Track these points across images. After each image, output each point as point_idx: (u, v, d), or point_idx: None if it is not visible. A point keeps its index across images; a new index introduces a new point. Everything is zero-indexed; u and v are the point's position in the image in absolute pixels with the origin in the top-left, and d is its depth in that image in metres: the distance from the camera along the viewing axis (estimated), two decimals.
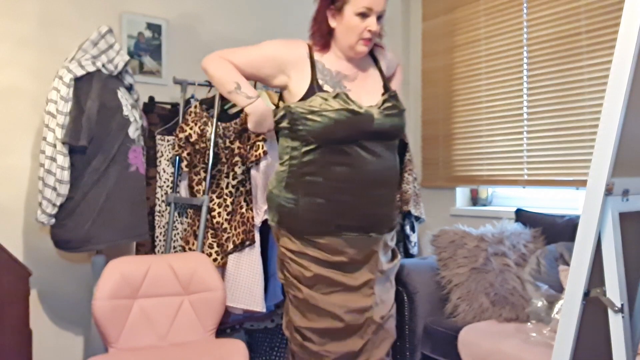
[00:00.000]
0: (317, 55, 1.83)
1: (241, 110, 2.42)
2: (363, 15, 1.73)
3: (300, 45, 1.83)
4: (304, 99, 1.74)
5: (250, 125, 1.85)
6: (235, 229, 2.27)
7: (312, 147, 1.73)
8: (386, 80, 1.91)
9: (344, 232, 1.75)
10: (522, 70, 2.85)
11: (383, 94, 1.83)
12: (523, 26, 2.84)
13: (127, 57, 2.28)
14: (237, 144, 2.33)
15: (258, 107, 1.82)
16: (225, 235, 2.29)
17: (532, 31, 2.79)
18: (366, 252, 1.79)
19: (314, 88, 1.75)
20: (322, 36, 1.82)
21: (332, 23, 1.79)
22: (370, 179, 1.75)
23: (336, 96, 1.72)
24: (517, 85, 2.88)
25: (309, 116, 1.70)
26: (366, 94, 1.81)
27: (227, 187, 2.32)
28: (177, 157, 2.49)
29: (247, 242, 2.26)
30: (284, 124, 1.80)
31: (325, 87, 1.76)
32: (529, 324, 2.08)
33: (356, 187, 1.74)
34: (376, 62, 1.94)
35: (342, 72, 1.82)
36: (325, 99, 1.70)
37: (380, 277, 1.83)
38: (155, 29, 2.75)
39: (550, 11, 2.70)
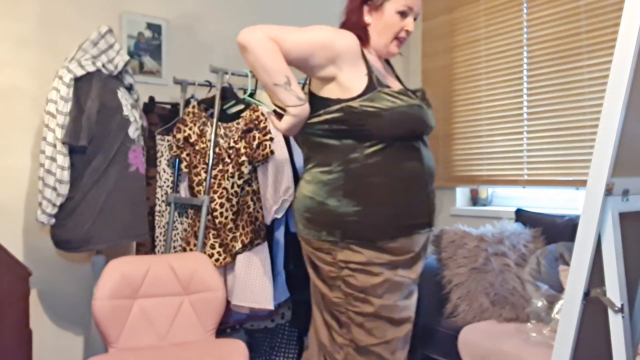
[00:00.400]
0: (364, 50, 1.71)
1: (241, 111, 2.42)
2: (403, 13, 1.68)
3: (351, 35, 1.66)
4: (363, 95, 1.60)
5: (283, 127, 1.62)
6: (243, 229, 2.27)
7: (379, 146, 1.61)
8: (402, 83, 1.87)
9: (416, 231, 1.67)
10: (522, 70, 2.85)
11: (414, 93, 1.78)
12: (523, 26, 2.84)
13: (127, 57, 2.28)
14: (242, 143, 2.33)
15: (305, 111, 1.61)
16: (231, 235, 2.29)
17: (532, 31, 2.79)
18: (424, 248, 1.76)
19: (374, 84, 1.63)
20: (356, 30, 1.70)
21: (368, 19, 1.71)
22: (429, 172, 1.70)
23: (398, 92, 1.64)
24: (517, 85, 2.88)
25: (384, 114, 1.58)
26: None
27: (232, 187, 2.32)
28: (177, 159, 2.50)
29: (257, 241, 2.27)
30: (335, 125, 1.63)
31: (383, 82, 1.68)
32: (529, 324, 2.08)
33: (422, 183, 1.67)
34: (389, 64, 1.91)
35: (380, 70, 1.74)
36: (393, 95, 1.62)
37: None
38: (155, 29, 2.75)
39: (550, 11, 2.70)
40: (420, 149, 1.68)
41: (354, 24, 1.71)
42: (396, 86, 1.75)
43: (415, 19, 1.73)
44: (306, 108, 1.61)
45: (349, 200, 1.61)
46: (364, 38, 1.71)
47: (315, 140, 1.68)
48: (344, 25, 1.74)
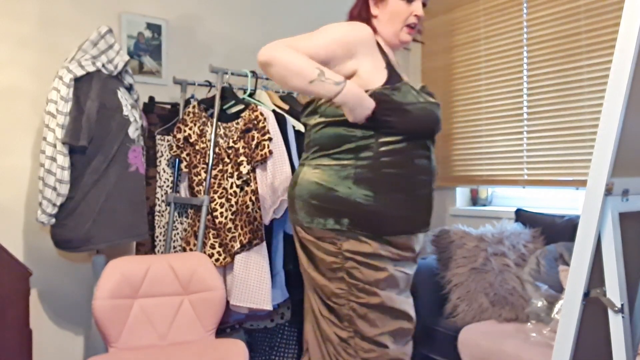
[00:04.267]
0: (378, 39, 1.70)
1: (241, 111, 2.43)
2: (408, 0, 1.68)
3: (365, 27, 1.65)
4: (387, 84, 1.61)
5: (349, 116, 1.56)
6: (242, 229, 2.27)
7: (396, 139, 1.60)
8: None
9: (418, 229, 1.69)
10: (522, 70, 2.85)
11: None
12: (523, 26, 2.84)
13: (126, 57, 2.28)
14: (241, 143, 2.33)
15: (351, 90, 1.52)
16: (230, 235, 2.29)
17: (532, 31, 2.79)
18: (420, 247, 1.77)
19: (395, 76, 1.64)
20: (368, 25, 1.70)
21: (375, 11, 1.71)
22: (434, 172, 1.72)
23: (421, 88, 1.68)
24: (517, 85, 2.88)
25: (407, 107, 1.59)
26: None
27: (231, 187, 2.32)
28: (177, 159, 2.50)
29: (256, 242, 2.27)
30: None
31: (403, 76, 1.68)
32: (528, 324, 2.09)
33: (428, 182, 1.68)
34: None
35: (393, 62, 1.73)
36: (416, 90, 1.64)
37: None
38: (155, 29, 2.75)
39: (550, 11, 2.70)
40: (430, 148, 1.70)
41: (362, 18, 1.71)
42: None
43: (425, 5, 1.72)
44: (350, 87, 1.52)
45: (360, 188, 1.59)
46: (376, 30, 1.71)
47: (328, 128, 1.65)
48: (350, 17, 1.75)
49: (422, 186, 1.66)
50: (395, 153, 1.60)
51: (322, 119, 1.68)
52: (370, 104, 1.55)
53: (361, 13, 1.72)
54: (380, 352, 1.65)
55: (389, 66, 1.64)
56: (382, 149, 1.60)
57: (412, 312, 1.75)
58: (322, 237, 1.65)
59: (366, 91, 1.58)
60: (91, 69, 2.14)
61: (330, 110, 1.65)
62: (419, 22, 1.71)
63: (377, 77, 1.61)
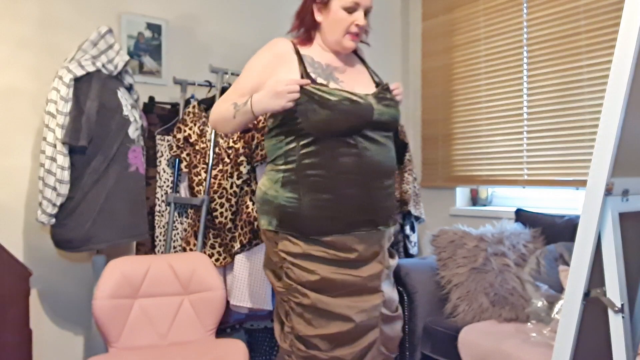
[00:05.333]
0: (302, 50, 1.78)
1: None
2: (350, 9, 1.72)
3: (282, 42, 1.78)
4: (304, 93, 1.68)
5: (268, 107, 1.66)
6: (242, 229, 2.27)
7: (310, 139, 1.67)
8: (374, 76, 1.89)
9: (355, 229, 1.68)
10: (522, 70, 2.85)
11: (376, 87, 1.81)
12: (523, 26, 2.84)
13: (126, 57, 2.28)
14: (241, 143, 2.33)
15: (255, 97, 1.68)
16: (230, 235, 2.29)
17: (532, 31, 2.79)
18: (375, 248, 1.75)
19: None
20: (306, 30, 1.79)
21: (318, 17, 1.77)
22: (376, 169, 1.70)
23: (334, 88, 1.68)
24: (517, 85, 2.88)
25: (316, 109, 1.64)
26: (359, 85, 1.78)
27: (231, 187, 2.32)
28: (177, 159, 2.49)
29: (256, 242, 2.27)
30: (275, 123, 1.75)
31: (319, 80, 1.71)
32: (529, 324, 2.08)
33: (363, 179, 1.68)
34: (362, 60, 1.93)
35: (331, 65, 1.79)
36: (326, 91, 1.65)
37: (385, 272, 1.80)
38: (154, 29, 2.75)
39: (550, 11, 2.70)
40: (360, 144, 1.68)
41: (304, 22, 1.79)
42: (354, 80, 1.78)
43: (367, 14, 1.76)
44: (254, 96, 1.68)
45: (285, 191, 1.70)
46: (308, 37, 1.80)
47: (267, 141, 1.81)
48: (293, 24, 1.82)
49: (349, 185, 1.67)
50: (314, 155, 1.67)
51: (267, 134, 1.82)
52: (272, 88, 1.64)
53: (306, 19, 1.79)
54: (309, 354, 1.68)
55: (303, 73, 1.71)
56: (302, 151, 1.68)
57: (357, 316, 1.69)
58: (267, 237, 1.78)
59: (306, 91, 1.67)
60: (91, 69, 2.14)
61: (269, 126, 1.79)
62: (361, 31, 1.76)
63: (265, 79, 1.71)
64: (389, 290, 1.84)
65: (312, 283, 1.67)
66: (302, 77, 1.70)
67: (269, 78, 1.72)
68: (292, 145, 1.70)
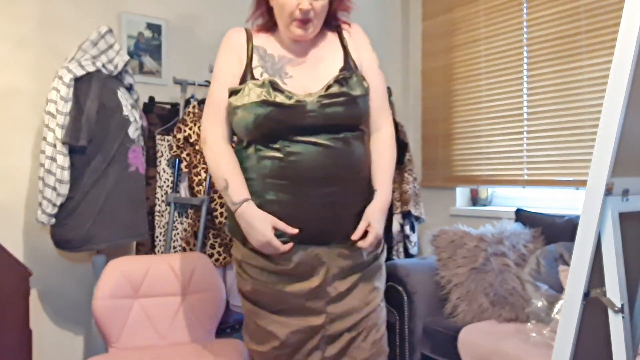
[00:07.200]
0: (258, 40, 1.63)
1: None
2: None
3: (235, 35, 1.64)
4: (236, 92, 1.54)
5: (247, 234, 1.53)
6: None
7: (245, 142, 1.57)
8: (350, 61, 1.62)
9: (281, 237, 1.49)
10: (522, 70, 2.85)
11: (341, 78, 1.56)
12: (523, 26, 2.84)
13: (126, 57, 2.28)
14: None
15: (242, 216, 1.51)
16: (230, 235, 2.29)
17: (532, 31, 2.79)
18: (313, 264, 1.53)
19: (246, 76, 1.56)
20: (263, 16, 1.65)
21: (272, 2, 1.59)
22: (309, 176, 1.48)
23: (262, 84, 1.50)
24: (517, 85, 2.88)
25: (237, 110, 1.52)
26: (313, 79, 1.57)
27: None
28: (177, 159, 2.49)
29: None
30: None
31: (256, 74, 1.55)
32: (529, 324, 2.08)
33: (293, 186, 1.49)
34: (343, 41, 1.67)
35: (286, 56, 1.60)
36: (249, 90, 1.51)
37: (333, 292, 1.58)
38: (155, 29, 2.75)
39: (550, 11, 2.70)
40: (284, 149, 1.50)
41: (259, 8, 1.65)
42: (308, 75, 1.59)
43: None
44: (243, 212, 1.50)
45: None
46: (266, 24, 1.65)
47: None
48: (252, 12, 1.68)
49: (275, 190, 1.50)
50: (247, 158, 1.56)
51: None
52: (261, 235, 1.48)
53: (261, 4, 1.63)
54: None
55: (247, 68, 1.58)
56: (243, 154, 1.58)
57: (284, 335, 1.53)
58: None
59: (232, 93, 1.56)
60: (91, 68, 2.14)
61: None
62: (307, 16, 1.52)
63: (235, 83, 1.58)
64: (354, 302, 1.58)
65: (245, 292, 1.60)
66: (244, 72, 1.57)
67: (238, 77, 1.58)
68: (238, 147, 1.62)
